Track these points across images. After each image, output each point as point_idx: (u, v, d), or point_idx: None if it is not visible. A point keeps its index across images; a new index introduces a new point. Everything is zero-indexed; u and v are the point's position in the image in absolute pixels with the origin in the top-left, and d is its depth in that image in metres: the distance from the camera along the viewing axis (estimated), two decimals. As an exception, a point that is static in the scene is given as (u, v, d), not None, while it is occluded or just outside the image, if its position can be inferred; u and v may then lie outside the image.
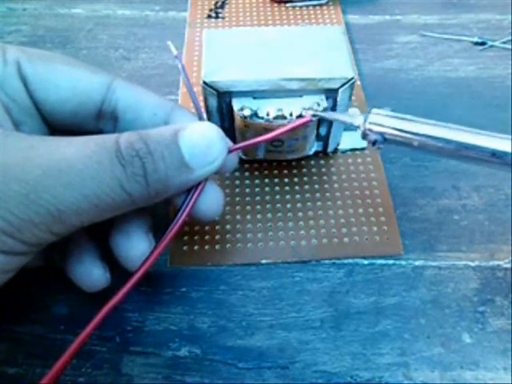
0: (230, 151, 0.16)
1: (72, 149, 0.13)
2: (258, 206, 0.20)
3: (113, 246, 0.16)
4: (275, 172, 0.22)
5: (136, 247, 0.16)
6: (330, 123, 0.20)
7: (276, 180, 0.21)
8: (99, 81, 0.16)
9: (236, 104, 0.18)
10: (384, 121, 0.16)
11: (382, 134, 0.16)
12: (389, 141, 0.16)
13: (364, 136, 0.16)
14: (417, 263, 0.19)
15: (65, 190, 0.13)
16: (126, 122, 0.17)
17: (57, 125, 0.17)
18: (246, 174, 0.22)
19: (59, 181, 0.13)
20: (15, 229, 0.12)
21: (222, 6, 0.30)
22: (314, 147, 0.22)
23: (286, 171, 0.22)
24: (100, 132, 0.17)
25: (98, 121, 0.17)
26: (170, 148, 0.14)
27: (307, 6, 0.30)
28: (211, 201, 0.16)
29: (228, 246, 0.19)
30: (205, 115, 0.18)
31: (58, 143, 0.13)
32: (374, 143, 0.16)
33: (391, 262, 0.19)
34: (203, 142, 0.15)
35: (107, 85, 0.16)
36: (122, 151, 0.13)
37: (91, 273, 0.16)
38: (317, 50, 0.19)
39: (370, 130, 0.16)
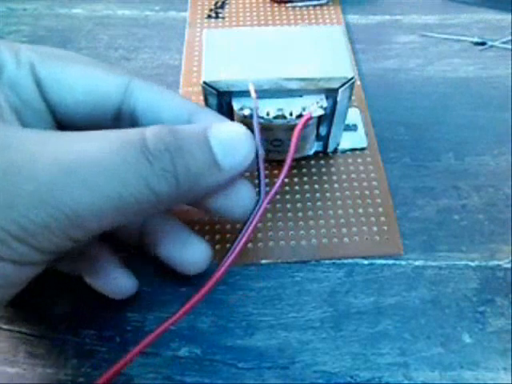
0: (267, 202, 0.15)
1: (91, 143, 0.12)
2: (258, 206, 0.20)
3: (165, 256, 0.17)
4: (275, 172, 0.22)
5: (193, 249, 0.17)
6: (330, 123, 0.20)
7: (276, 180, 0.21)
8: (117, 82, 0.16)
9: (236, 104, 0.18)
10: None
11: None
12: None
13: None
14: (417, 263, 0.19)
15: (83, 190, 0.11)
16: (146, 125, 0.16)
17: (71, 129, 0.16)
18: (246, 174, 0.22)
19: (76, 179, 0.11)
20: (29, 234, 0.11)
21: (222, 6, 0.30)
22: (313, 147, 0.22)
23: (286, 171, 0.22)
24: None
25: (115, 123, 0.16)
26: (200, 145, 0.13)
27: (307, 6, 0.30)
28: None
29: (228, 245, 0.19)
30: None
31: (75, 138, 0.12)
32: None
33: (391, 262, 0.19)
34: (233, 141, 0.14)
35: (125, 86, 0.16)
36: (148, 145, 0.12)
37: (119, 282, 0.17)
38: (317, 50, 0.19)
39: None
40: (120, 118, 0.16)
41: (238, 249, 0.15)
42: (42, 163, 0.11)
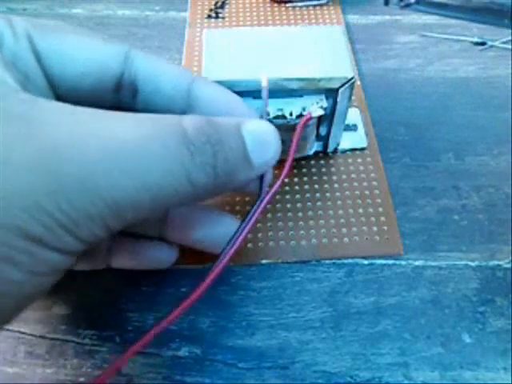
0: (267, 202, 0.15)
1: (129, 128, 0.11)
2: (258, 206, 0.20)
3: (197, 239, 0.17)
4: (275, 172, 0.22)
5: (225, 226, 0.17)
6: (330, 123, 0.20)
7: (276, 180, 0.21)
8: (116, 50, 0.15)
9: (236, 104, 0.18)
10: None
11: None
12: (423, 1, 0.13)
13: None
14: (417, 263, 0.19)
15: (124, 178, 0.11)
16: (146, 94, 0.15)
17: (73, 103, 0.15)
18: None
19: (117, 166, 0.11)
20: (72, 222, 0.11)
21: (222, 6, 0.30)
22: (313, 147, 0.22)
23: (286, 171, 0.22)
24: (118, 106, 0.15)
25: (116, 94, 0.15)
26: (235, 138, 0.13)
27: (307, 6, 0.30)
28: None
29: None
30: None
31: (111, 119, 0.12)
32: None
33: (391, 262, 0.19)
34: (263, 139, 0.14)
35: (124, 54, 0.15)
36: (189, 136, 0.12)
37: (159, 253, 0.17)
38: (317, 50, 0.19)
39: None
40: (120, 88, 0.15)
41: (235, 246, 0.15)
42: (86, 146, 0.11)
